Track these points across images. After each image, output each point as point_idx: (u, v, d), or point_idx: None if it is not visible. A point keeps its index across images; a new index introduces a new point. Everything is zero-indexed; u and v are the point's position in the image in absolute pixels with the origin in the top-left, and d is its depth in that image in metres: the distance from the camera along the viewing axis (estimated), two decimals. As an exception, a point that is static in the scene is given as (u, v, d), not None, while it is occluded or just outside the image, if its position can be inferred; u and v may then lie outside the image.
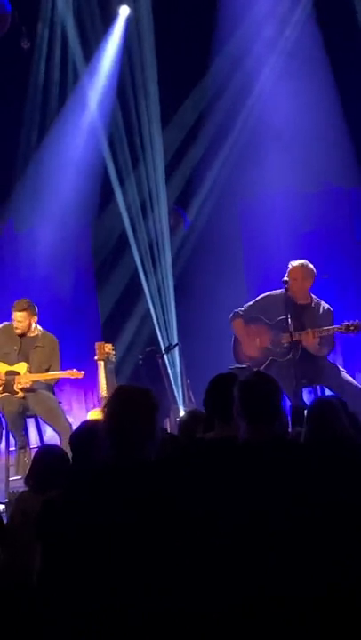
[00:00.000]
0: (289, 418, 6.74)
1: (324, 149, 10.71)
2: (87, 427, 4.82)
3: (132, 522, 3.52)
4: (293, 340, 8.18)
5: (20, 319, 8.79)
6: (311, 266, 8.55)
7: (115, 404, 3.78)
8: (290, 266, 8.49)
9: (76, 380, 8.93)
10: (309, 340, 8.24)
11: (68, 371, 8.78)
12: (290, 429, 5.98)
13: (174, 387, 10.33)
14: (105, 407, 3.88)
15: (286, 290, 8.37)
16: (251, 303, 8.74)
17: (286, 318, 8.26)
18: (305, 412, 7.05)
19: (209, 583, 3.60)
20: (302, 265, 8.50)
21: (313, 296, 8.60)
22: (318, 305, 8.56)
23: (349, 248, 11.35)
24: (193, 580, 3.54)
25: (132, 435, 3.67)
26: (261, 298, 8.70)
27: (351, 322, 8.29)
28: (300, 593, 3.66)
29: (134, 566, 3.48)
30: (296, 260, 8.59)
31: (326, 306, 8.57)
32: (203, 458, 4.06)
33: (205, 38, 10.89)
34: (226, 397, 4.26)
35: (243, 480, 3.84)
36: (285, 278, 8.40)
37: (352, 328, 8.25)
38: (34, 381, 8.64)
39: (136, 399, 3.75)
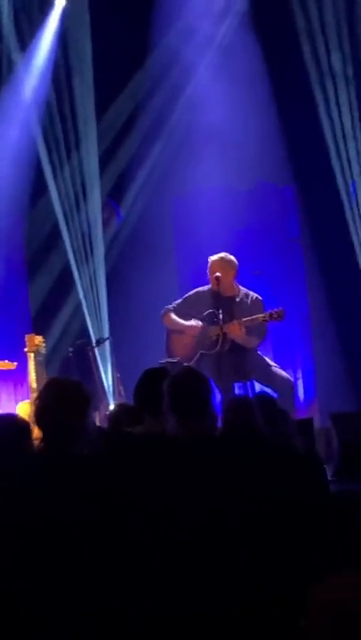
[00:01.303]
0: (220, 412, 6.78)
1: (257, 147, 10.75)
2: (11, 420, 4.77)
3: (60, 516, 3.51)
4: (222, 331, 8.23)
5: None
6: (231, 257, 8.59)
7: (46, 398, 3.78)
8: (209, 261, 8.54)
9: (5, 371, 8.88)
10: (236, 331, 8.27)
11: (0, 362, 8.73)
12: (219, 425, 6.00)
13: (104, 380, 10.31)
14: (36, 400, 3.87)
15: (213, 284, 8.43)
16: (180, 300, 8.78)
17: (215, 311, 8.30)
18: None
19: (125, 577, 3.61)
20: (221, 258, 8.54)
21: (240, 287, 8.65)
22: (247, 295, 8.60)
23: (282, 245, 11.43)
24: (104, 574, 3.54)
25: (63, 428, 3.66)
26: (190, 295, 8.76)
27: (275, 309, 8.33)
28: (212, 589, 3.69)
29: (53, 559, 3.48)
30: (230, 254, 8.64)
31: (255, 295, 8.62)
32: (132, 453, 4.06)
33: (142, 32, 10.87)
34: (156, 391, 4.26)
35: (171, 476, 3.85)
36: (217, 274, 8.45)
37: (275, 315, 8.29)
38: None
39: (68, 393, 3.75)
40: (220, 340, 8.28)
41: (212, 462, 3.92)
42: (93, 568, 3.51)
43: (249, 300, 8.56)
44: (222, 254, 8.58)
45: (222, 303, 8.42)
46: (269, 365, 8.60)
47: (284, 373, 8.67)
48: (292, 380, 8.82)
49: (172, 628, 3.61)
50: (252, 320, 8.30)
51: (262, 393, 8.14)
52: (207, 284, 8.64)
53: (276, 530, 3.92)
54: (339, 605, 3.35)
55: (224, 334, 8.28)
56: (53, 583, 3.49)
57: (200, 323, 8.53)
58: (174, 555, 3.70)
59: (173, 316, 8.67)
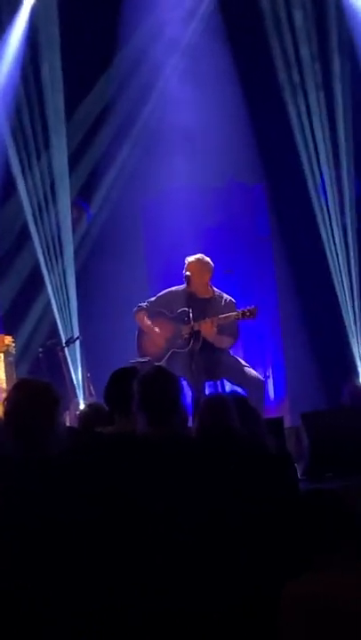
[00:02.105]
0: (190, 411, 6.78)
1: (227, 145, 10.77)
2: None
3: (31, 517, 3.50)
4: (194, 330, 8.23)
5: None
6: (207, 259, 8.60)
7: (15, 399, 3.76)
8: (186, 261, 8.54)
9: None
10: (208, 329, 8.26)
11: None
12: (190, 424, 6.00)
13: (74, 380, 10.29)
14: (5, 401, 3.85)
15: (188, 284, 8.44)
16: (153, 299, 8.77)
17: (186, 310, 8.30)
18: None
19: (99, 578, 3.60)
20: (198, 260, 8.54)
21: (214, 289, 8.65)
22: (220, 297, 8.61)
23: (252, 243, 11.45)
24: (81, 571, 3.54)
25: (33, 429, 3.65)
26: (164, 293, 8.74)
27: (248, 307, 8.34)
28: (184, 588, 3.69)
29: (31, 559, 3.47)
30: (199, 253, 8.65)
31: (229, 298, 8.62)
32: (102, 452, 4.05)
33: (111, 31, 10.86)
34: (125, 391, 4.26)
35: (141, 475, 3.84)
36: (187, 273, 8.45)
37: (248, 313, 8.29)
38: None
39: (37, 394, 3.74)
40: (191, 339, 8.27)
41: (181, 461, 3.92)
42: (67, 567, 3.51)
43: (223, 302, 8.56)
44: (199, 256, 8.58)
45: (196, 303, 8.42)
46: (240, 365, 8.59)
47: (254, 373, 8.67)
48: (262, 379, 8.82)
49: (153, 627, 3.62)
50: (225, 318, 8.30)
51: (233, 392, 8.14)
52: (179, 283, 8.63)
53: (248, 527, 3.92)
54: (311, 600, 3.37)
55: (195, 333, 8.27)
56: (28, 578, 3.48)
57: (170, 318, 8.52)
58: (148, 551, 3.70)
59: (144, 315, 8.67)
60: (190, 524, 3.76)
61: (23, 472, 3.59)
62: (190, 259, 8.54)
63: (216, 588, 3.74)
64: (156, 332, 8.57)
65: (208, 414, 4.71)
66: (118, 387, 4.51)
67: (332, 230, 10.82)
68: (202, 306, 8.47)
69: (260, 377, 8.79)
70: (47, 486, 3.56)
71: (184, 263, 8.56)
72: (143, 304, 8.74)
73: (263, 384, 8.78)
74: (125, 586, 3.60)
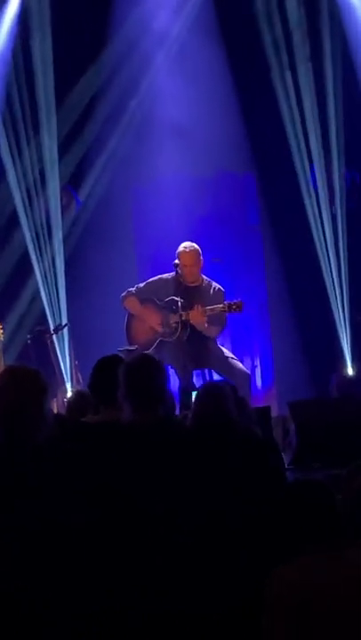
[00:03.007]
0: (177, 400, 6.79)
1: (217, 134, 10.76)
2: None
3: (16, 506, 3.50)
4: (183, 319, 8.23)
5: None
6: (198, 248, 8.59)
7: (3, 386, 3.75)
8: (177, 251, 8.53)
9: None
10: (197, 317, 8.26)
11: None
12: (177, 412, 6.01)
13: (62, 367, 10.28)
14: (-8, 388, 3.84)
15: (177, 272, 8.43)
16: (142, 285, 8.76)
17: (174, 299, 8.30)
18: (193, 394, 7.14)
19: (80, 570, 3.61)
20: (191, 251, 8.52)
21: (204, 277, 8.65)
22: (209, 286, 8.61)
23: (242, 232, 11.45)
24: (55, 569, 3.54)
25: (20, 417, 3.64)
26: (153, 280, 8.73)
27: (234, 301, 8.34)
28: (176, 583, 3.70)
29: (17, 550, 3.47)
30: (189, 241, 8.64)
31: (217, 286, 8.62)
32: (87, 442, 4.04)
33: (102, 18, 10.82)
34: (110, 380, 4.25)
35: (126, 464, 3.84)
36: (176, 261, 8.45)
37: (234, 307, 8.29)
38: None
39: (25, 381, 3.72)
40: (179, 328, 8.27)
41: (168, 447, 3.92)
42: (55, 560, 3.50)
43: (211, 291, 8.56)
44: (190, 245, 8.56)
45: (185, 291, 8.42)
46: (227, 357, 8.59)
47: (240, 365, 8.68)
48: (248, 372, 8.82)
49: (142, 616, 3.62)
50: (211, 309, 8.30)
51: (224, 381, 8.15)
52: (169, 270, 8.62)
53: (236, 514, 3.93)
54: (297, 589, 3.38)
55: (184, 322, 8.27)
56: (15, 571, 3.48)
57: (159, 306, 8.52)
58: (140, 541, 3.70)
59: (133, 300, 8.66)
60: (182, 512, 3.76)
61: (9, 460, 3.58)
62: (182, 249, 8.53)
63: (211, 578, 3.75)
64: (145, 318, 8.56)
65: (206, 403, 4.71)
66: (103, 376, 4.49)
67: (321, 219, 10.83)
68: (191, 294, 8.47)
69: (246, 370, 8.78)
70: (33, 475, 3.55)
71: (174, 251, 8.55)
72: (132, 289, 8.73)
73: (249, 377, 8.79)
74: (118, 580, 3.60)
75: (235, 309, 8.28)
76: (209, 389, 4.87)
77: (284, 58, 10.75)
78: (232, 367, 8.49)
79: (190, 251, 8.50)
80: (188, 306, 8.33)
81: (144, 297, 8.64)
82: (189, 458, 3.93)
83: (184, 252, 8.49)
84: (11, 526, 3.48)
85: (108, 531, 3.67)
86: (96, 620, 3.52)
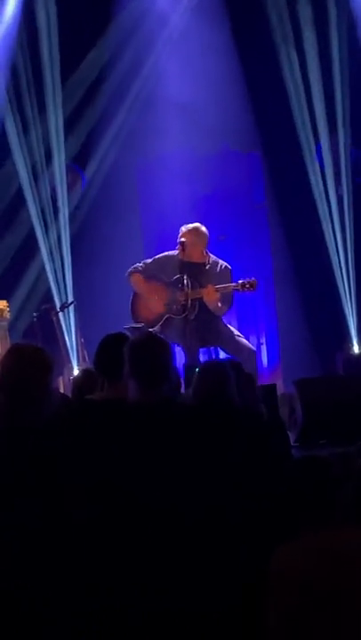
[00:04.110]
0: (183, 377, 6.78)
1: (223, 112, 10.73)
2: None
3: (22, 483, 3.50)
4: (190, 297, 8.23)
5: None
6: (203, 229, 8.57)
7: (8, 364, 3.75)
8: (181, 230, 8.51)
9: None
10: (211, 296, 8.25)
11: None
12: (183, 390, 6.01)
13: (68, 345, 10.29)
14: (-2, 366, 3.84)
15: (182, 250, 8.42)
16: (149, 261, 8.75)
17: (181, 277, 8.29)
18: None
19: (94, 550, 3.61)
20: (194, 229, 8.51)
21: (210, 255, 8.63)
22: (216, 264, 8.59)
23: (247, 211, 11.43)
24: (74, 546, 3.54)
25: (25, 395, 3.64)
26: (159, 257, 8.72)
27: (247, 279, 8.33)
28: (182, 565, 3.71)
29: (20, 531, 3.47)
30: (190, 222, 8.62)
31: (224, 264, 8.61)
32: (92, 419, 4.04)
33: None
34: (115, 358, 4.24)
35: (131, 442, 3.84)
36: (183, 239, 8.44)
37: (248, 286, 8.28)
38: None
39: (30, 359, 3.72)
40: (188, 306, 8.27)
41: (172, 426, 3.93)
42: (55, 540, 3.51)
43: (218, 269, 8.55)
44: (196, 225, 8.55)
45: (191, 269, 8.41)
46: (233, 334, 8.60)
47: (247, 343, 8.69)
48: (254, 350, 8.83)
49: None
50: (224, 288, 8.29)
51: (228, 358, 8.15)
52: (175, 247, 8.61)
53: (240, 492, 3.94)
54: (301, 567, 3.39)
55: (192, 300, 8.27)
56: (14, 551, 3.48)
57: (166, 284, 8.51)
58: (137, 522, 3.71)
59: (139, 278, 8.65)
60: (184, 492, 3.77)
61: (14, 438, 3.59)
62: (185, 228, 8.52)
63: (216, 560, 3.76)
64: (151, 295, 8.55)
65: (206, 381, 4.72)
66: (107, 353, 4.47)
67: (327, 197, 10.79)
68: (197, 272, 8.46)
69: (252, 347, 8.80)
70: (37, 453, 3.55)
71: (179, 229, 8.54)
72: (138, 265, 8.72)
73: (255, 355, 8.80)
74: (118, 567, 3.61)
75: (248, 288, 8.28)
76: (208, 367, 4.87)
77: (290, 35, 10.68)
78: (238, 344, 8.49)
79: (191, 230, 8.48)
80: (195, 284, 8.33)
81: (150, 274, 8.63)
82: (192, 437, 3.94)
83: (185, 231, 8.48)
84: (14, 506, 3.48)
85: (109, 512, 3.68)
86: (97, 608, 3.54)
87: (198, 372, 4.86)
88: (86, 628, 3.50)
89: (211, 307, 8.30)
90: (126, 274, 8.75)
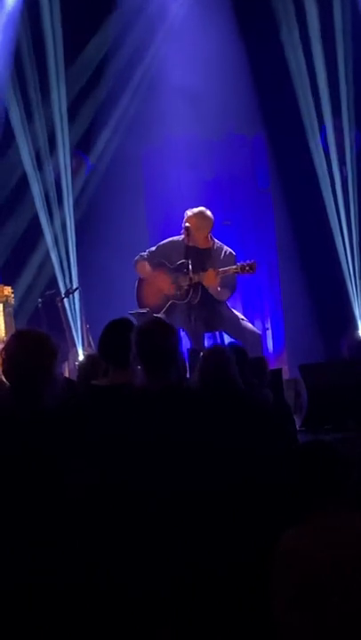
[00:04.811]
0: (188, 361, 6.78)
1: (227, 97, 10.69)
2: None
3: (29, 470, 3.51)
4: (193, 282, 8.22)
5: None
6: (208, 213, 8.55)
7: (13, 349, 3.75)
8: (186, 215, 8.50)
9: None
10: (211, 280, 8.24)
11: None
12: (188, 375, 6.00)
13: (73, 331, 10.29)
14: (3, 352, 3.84)
15: (187, 235, 8.41)
16: (154, 248, 8.74)
17: (185, 262, 8.28)
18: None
19: (102, 535, 3.62)
20: (199, 214, 8.49)
21: (215, 240, 8.62)
22: (220, 249, 8.58)
23: (251, 195, 11.41)
24: (85, 532, 3.55)
25: (30, 380, 3.64)
26: (163, 244, 8.72)
27: (247, 262, 8.31)
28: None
29: (25, 515, 3.48)
30: (195, 207, 8.60)
31: (228, 250, 8.60)
32: (98, 404, 4.04)
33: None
34: (118, 343, 4.23)
35: (138, 428, 3.85)
36: (187, 224, 8.42)
37: (247, 268, 8.27)
38: None
39: (35, 344, 3.71)
40: (191, 290, 8.26)
41: (179, 412, 3.93)
42: (56, 523, 3.51)
43: (222, 254, 8.54)
44: (201, 209, 8.53)
45: (195, 254, 8.40)
46: (238, 318, 8.60)
47: (251, 326, 8.69)
48: (259, 333, 8.83)
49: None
50: (224, 272, 8.28)
51: (232, 343, 8.15)
52: (179, 233, 8.59)
53: (245, 478, 3.94)
54: (305, 552, 3.39)
55: (195, 284, 8.26)
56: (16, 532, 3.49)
57: (170, 269, 8.50)
58: (142, 507, 3.71)
59: (145, 264, 8.65)
60: (190, 474, 3.77)
61: (19, 423, 3.59)
62: (190, 212, 8.50)
63: (220, 542, 3.77)
64: (156, 281, 8.55)
65: (208, 366, 4.72)
66: (111, 339, 4.46)
67: (332, 182, 10.76)
68: (201, 257, 8.45)
69: (257, 330, 8.81)
70: (40, 439, 3.55)
71: (184, 214, 8.53)
72: (144, 253, 8.72)
73: (260, 338, 8.80)
74: (128, 544, 3.62)
75: (248, 271, 8.26)
76: (210, 352, 4.87)
77: (293, 17, 10.64)
78: (243, 328, 8.49)
79: (196, 215, 8.47)
80: (198, 268, 8.32)
81: (155, 260, 8.62)
82: (198, 422, 3.94)
83: (190, 216, 8.47)
84: (19, 489, 3.49)
85: (114, 495, 3.68)
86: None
87: (201, 357, 4.86)
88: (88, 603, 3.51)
89: (211, 291, 8.29)
90: (133, 262, 8.75)
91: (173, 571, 3.68)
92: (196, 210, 8.52)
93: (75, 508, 3.51)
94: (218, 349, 5.03)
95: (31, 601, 3.39)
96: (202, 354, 4.95)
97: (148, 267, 8.63)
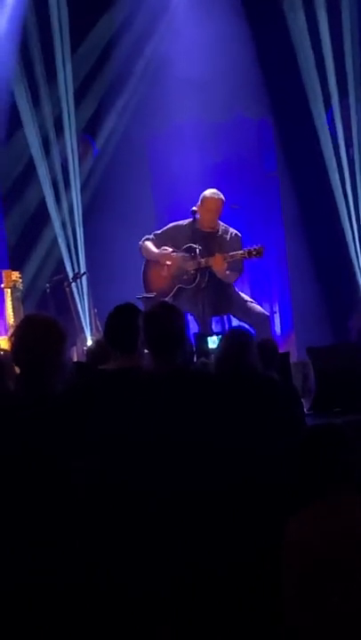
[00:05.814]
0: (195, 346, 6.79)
1: (233, 80, 10.65)
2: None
3: (36, 454, 3.51)
4: (201, 266, 8.22)
5: None
6: (221, 196, 8.55)
7: (22, 334, 3.75)
8: (204, 196, 8.47)
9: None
10: (218, 264, 8.24)
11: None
12: (195, 359, 6.02)
13: (81, 315, 10.30)
14: (12, 336, 3.84)
15: (194, 219, 8.40)
16: (160, 232, 8.74)
17: (193, 246, 8.28)
18: (208, 340, 7.18)
19: (112, 523, 3.63)
20: (217, 198, 8.47)
21: (220, 223, 8.61)
22: (226, 231, 8.58)
23: (258, 179, 11.39)
24: (93, 517, 3.56)
25: (39, 365, 3.64)
26: (170, 227, 8.72)
27: (254, 247, 8.31)
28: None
29: (30, 500, 3.49)
30: (201, 190, 8.59)
31: (234, 231, 8.60)
32: (106, 389, 4.05)
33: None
34: (125, 327, 4.24)
35: (145, 411, 3.85)
36: (194, 208, 8.41)
37: (255, 253, 8.26)
38: None
39: (44, 329, 3.71)
40: (198, 274, 8.27)
41: (185, 396, 3.93)
42: (70, 510, 3.52)
43: (228, 236, 8.54)
44: (216, 193, 8.50)
45: (202, 238, 8.40)
46: (245, 301, 8.61)
47: (259, 308, 8.69)
48: (267, 314, 8.85)
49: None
50: (231, 256, 8.27)
51: (240, 327, 8.16)
52: (186, 216, 8.58)
53: (255, 461, 3.95)
54: (313, 537, 3.40)
55: (203, 268, 8.26)
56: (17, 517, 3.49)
57: (177, 253, 8.49)
58: (150, 492, 3.72)
59: (151, 246, 8.64)
60: (198, 457, 3.77)
61: (28, 408, 3.59)
62: (208, 194, 8.47)
63: (230, 528, 3.78)
64: (163, 265, 8.54)
65: (227, 349, 4.72)
66: (118, 323, 4.45)
67: (339, 164, 10.73)
68: (208, 240, 8.45)
69: (265, 312, 8.82)
70: (48, 423, 3.56)
71: (191, 197, 8.52)
72: (150, 236, 8.73)
73: (269, 320, 8.81)
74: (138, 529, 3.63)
75: (255, 255, 8.26)
76: (235, 337, 4.85)
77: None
78: (251, 310, 8.50)
79: (218, 198, 8.46)
80: (205, 252, 8.31)
81: (162, 244, 8.62)
82: (205, 405, 3.94)
83: (212, 197, 8.45)
84: (18, 482, 3.49)
85: (122, 480, 3.69)
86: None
87: (223, 339, 4.86)
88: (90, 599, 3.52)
89: (219, 275, 8.29)
90: (138, 245, 8.75)
91: (173, 570, 3.69)
92: (214, 192, 8.50)
93: (75, 506, 3.50)
94: (242, 333, 5.02)
95: (31, 601, 3.39)
96: (225, 335, 4.94)
97: (154, 249, 8.63)
